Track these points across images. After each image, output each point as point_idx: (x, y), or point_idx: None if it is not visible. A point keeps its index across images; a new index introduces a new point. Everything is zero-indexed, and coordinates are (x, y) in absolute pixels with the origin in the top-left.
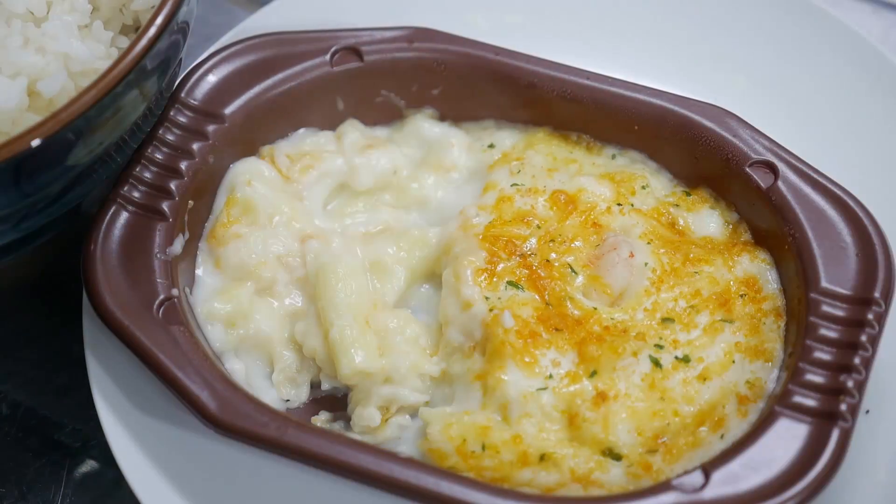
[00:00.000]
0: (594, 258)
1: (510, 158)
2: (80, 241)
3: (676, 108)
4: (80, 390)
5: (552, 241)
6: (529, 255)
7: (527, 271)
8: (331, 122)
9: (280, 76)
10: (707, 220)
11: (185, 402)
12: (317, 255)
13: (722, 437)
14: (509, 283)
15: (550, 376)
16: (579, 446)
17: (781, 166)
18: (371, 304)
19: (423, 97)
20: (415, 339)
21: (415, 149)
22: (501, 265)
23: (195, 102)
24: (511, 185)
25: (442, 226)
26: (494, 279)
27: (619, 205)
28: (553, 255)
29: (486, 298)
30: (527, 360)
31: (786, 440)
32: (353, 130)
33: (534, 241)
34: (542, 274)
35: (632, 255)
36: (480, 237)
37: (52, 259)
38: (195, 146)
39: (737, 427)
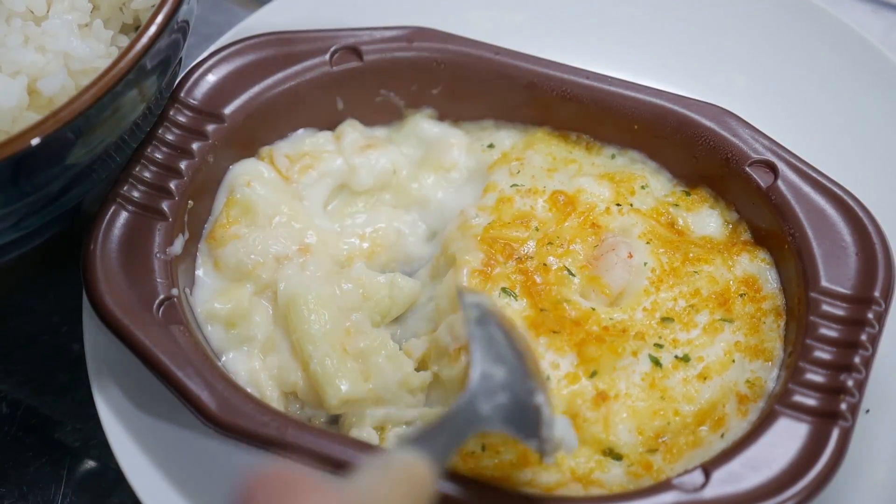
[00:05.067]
0: (593, 259)
1: (510, 158)
2: (79, 241)
3: (676, 108)
4: (80, 390)
5: (550, 243)
6: (527, 258)
7: (522, 277)
8: (330, 122)
9: (280, 76)
10: (707, 220)
11: (185, 402)
12: (287, 284)
13: (722, 436)
14: (503, 290)
15: (548, 378)
16: (580, 446)
17: (781, 166)
18: (344, 330)
19: (423, 97)
20: (396, 355)
21: (414, 148)
22: (497, 269)
23: (195, 102)
24: (511, 186)
25: (440, 231)
26: (489, 284)
27: (618, 205)
28: (551, 258)
29: None
30: None
31: (786, 439)
32: (352, 130)
33: (532, 243)
34: (539, 280)
35: (630, 256)
36: (479, 238)
37: (51, 259)
38: (195, 146)
39: (737, 426)
